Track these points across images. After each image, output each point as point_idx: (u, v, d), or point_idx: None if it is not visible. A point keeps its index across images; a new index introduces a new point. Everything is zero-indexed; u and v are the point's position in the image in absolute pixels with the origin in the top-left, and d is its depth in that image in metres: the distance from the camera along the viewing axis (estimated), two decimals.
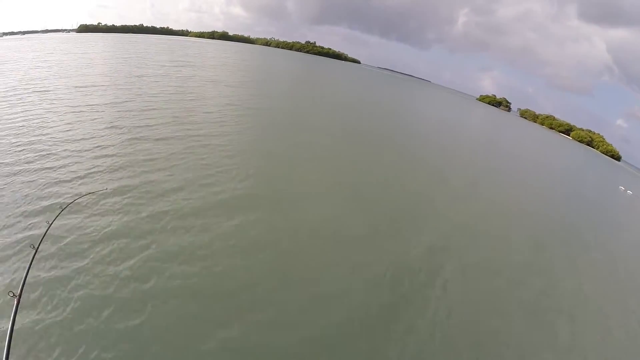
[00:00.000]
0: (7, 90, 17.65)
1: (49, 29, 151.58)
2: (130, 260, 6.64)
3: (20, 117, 13.76)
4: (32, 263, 3.05)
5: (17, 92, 17.35)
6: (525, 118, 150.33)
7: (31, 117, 13.90)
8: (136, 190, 9.16)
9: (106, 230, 7.41)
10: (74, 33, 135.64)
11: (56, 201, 8.11)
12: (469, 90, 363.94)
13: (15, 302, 2.60)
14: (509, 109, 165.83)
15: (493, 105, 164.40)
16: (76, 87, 19.90)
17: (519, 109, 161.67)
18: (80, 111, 15.16)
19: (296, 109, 25.13)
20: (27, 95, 17.12)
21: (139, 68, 30.02)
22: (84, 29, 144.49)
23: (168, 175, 10.31)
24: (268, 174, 12.03)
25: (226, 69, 41.83)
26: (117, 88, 20.37)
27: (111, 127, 13.56)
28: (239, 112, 19.68)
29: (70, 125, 13.29)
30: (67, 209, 4.82)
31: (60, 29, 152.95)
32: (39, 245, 3.30)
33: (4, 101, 15.76)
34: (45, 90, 18.31)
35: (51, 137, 11.98)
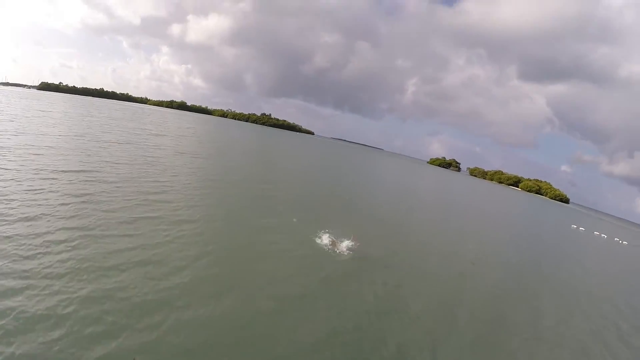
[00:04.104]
0: None
1: (10, 82, 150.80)
2: None
3: None
4: None
5: None
6: (475, 176, 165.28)
7: None
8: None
9: None
10: (35, 90, 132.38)
11: None
12: (420, 155, 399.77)
13: None
14: (459, 169, 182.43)
15: (443, 166, 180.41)
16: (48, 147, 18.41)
17: (468, 168, 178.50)
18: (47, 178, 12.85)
19: (268, 184, 22.38)
20: None
21: (105, 133, 28.95)
22: (45, 86, 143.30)
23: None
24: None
25: (193, 140, 41.26)
26: (86, 154, 18.72)
27: (84, 201, 11.27)
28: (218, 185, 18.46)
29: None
30: None
31: (21, 83, 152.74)
32: None
33: None
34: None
35: None
